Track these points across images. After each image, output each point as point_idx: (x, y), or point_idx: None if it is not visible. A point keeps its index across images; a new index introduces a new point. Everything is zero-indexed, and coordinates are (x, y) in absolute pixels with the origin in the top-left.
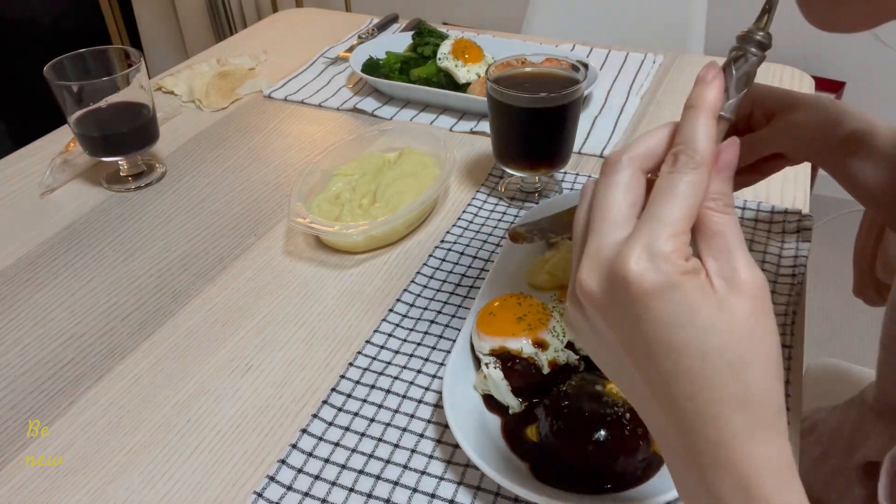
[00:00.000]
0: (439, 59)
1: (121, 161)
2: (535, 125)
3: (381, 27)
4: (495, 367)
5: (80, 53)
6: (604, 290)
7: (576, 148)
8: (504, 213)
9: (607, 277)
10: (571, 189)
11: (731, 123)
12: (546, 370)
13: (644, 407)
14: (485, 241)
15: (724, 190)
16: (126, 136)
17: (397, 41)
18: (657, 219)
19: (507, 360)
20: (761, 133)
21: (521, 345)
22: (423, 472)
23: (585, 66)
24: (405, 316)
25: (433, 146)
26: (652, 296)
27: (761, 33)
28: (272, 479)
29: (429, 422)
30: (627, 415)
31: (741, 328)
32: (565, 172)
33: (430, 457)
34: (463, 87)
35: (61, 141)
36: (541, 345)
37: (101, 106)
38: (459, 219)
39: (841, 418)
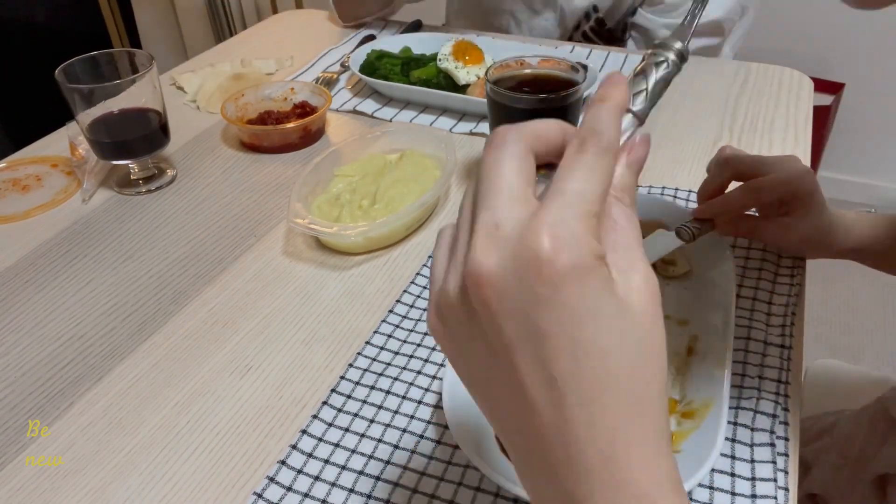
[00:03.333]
0: (440, 59)
1: (131, 164)
2: None
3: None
4: None
5: (92, 56)
6: (505, 271)
7: None
8: None
9: (512, 255)
10: None
11: (641, 124)
12: None
13: (514, 424)
14: None
15: (630, 183)
16: (137, 139)
17: (396, 43)
18: (569, 194)
19: None
20: (767, 226)
21: None
22: (422, 473)
23: (584, 67)
24: (405, 317)
25: (435, 148)
26: (564, 279)
27: (680, 44)
28: (272, 479)
29: (429, 423)
30: None
31: (639, 329)
32: None
33: (430, 458)
34: (462, 89)
35: (61, 143)
36: None
37: (112, 110)
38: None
39: (853, 426)
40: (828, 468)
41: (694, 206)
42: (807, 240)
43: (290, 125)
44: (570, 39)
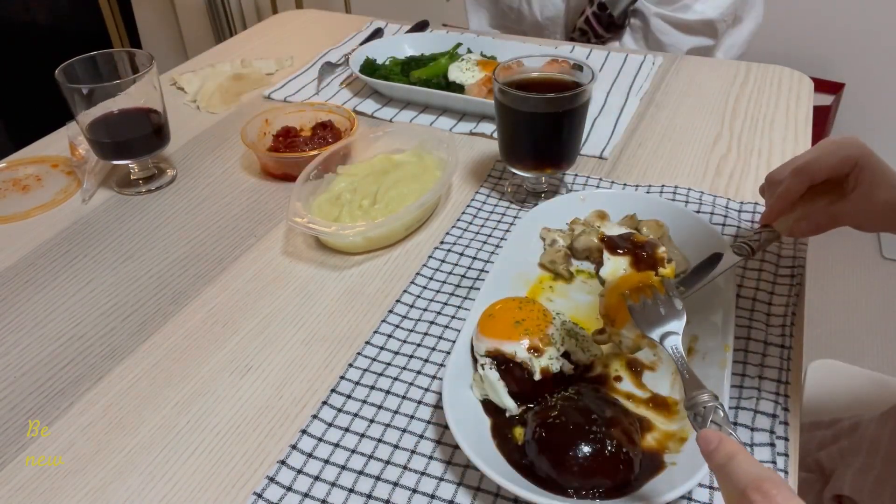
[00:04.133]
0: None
1: (131, 164)
2: (543, 127)
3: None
4: (491, 368)
5: (91, 56)
6: None
7: None
8: (504, 214)
9: None
10: (570, 190)
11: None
12: (537, 376)
13: None
14: (484, 242)
15: None
16: (137, 140)
17: (397, 43)
18: None
19: (501, 362)
20: (845, 207)
21: (516, 349)
22: (422, 473)
23: (582, 68)
24: (405, 317)
25: (437, 148)
26: None
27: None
28: (272, 479)
29: (428, 422)
30: (614, 440)
31: None
32: (564, 174)
33: (430, 458)
34: (459, 88)
35: (61, 143)
36: (536, 350)
37: (112, 110)
38: (459, 220)
39: (878, 428)
40: (855, 470)
41: (693, 203)
42: (881, 210)
43: (313, 153)
44: (574, 26)
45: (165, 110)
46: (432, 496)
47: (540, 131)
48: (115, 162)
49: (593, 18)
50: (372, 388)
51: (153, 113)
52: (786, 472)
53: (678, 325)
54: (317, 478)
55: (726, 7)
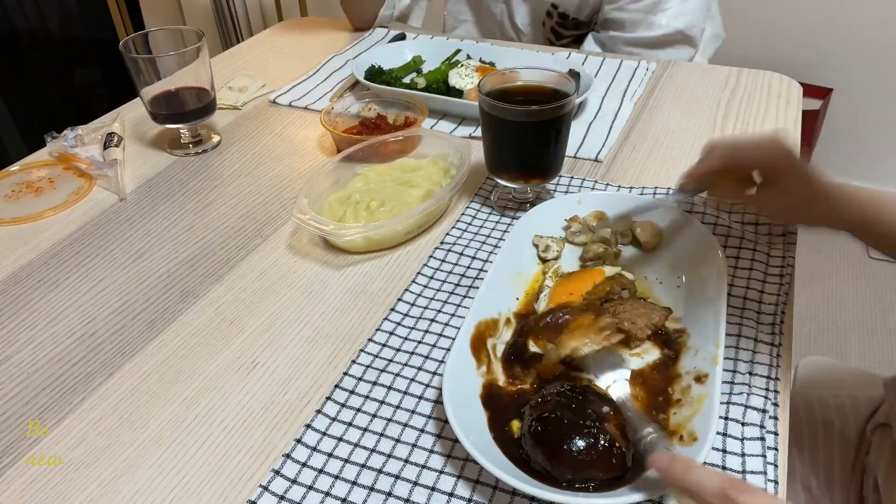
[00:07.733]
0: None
1: (182, 129)
2: (526, 138)
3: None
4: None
5: (147, 33)
6: None
7: (571, 152)
8: (503, 214)
9: None
10: (566, 192)
11: None
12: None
13: None
14: (483, 243)
15: None
16: (191, 107)
17: (398, 49)
18: None
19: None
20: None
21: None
22: (423, 466)
23: (578, 74)
24: (406, 315)
25: (453, 156)
26: None
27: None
28: (277, 472)
29: (429, 417)
30: (607, 434)
31: None
32: (560, 176)
33: (431, 451)
34: (458, 93)
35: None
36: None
37: (169, 82)
38: (459, 220)
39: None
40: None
41: (685, 204)
42: (793, 206)
43: (398, 135)
44: (544, 37)
45: (213, 81)
46: (433, 488)
47: (524, 142)
48: (168, 126)
49: (559, 27)
50: (374, 384)
51: (202, 88)
52: (775, 465)
53: (625, 372)
54: (321, 471)
55: (693, 15)
